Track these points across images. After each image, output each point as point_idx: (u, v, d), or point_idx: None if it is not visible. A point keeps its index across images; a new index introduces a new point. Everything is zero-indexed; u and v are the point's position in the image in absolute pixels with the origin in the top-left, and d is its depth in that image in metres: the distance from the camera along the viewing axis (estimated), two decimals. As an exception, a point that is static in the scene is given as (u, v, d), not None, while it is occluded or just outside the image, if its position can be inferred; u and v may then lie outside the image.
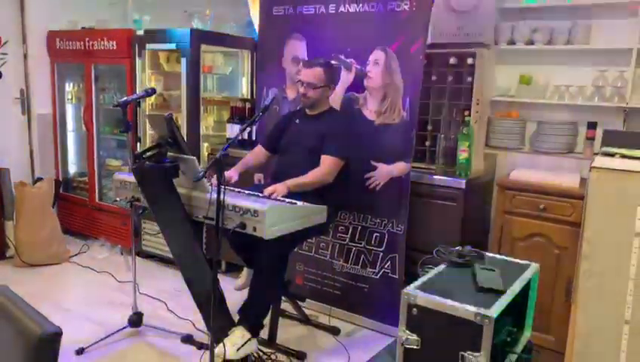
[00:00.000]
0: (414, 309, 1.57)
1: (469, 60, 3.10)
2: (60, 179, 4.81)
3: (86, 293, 3.67)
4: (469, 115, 3.11)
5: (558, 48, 3.27)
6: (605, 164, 1.71)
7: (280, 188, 2.50)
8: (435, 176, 3.09)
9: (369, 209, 3.16)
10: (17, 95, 4.58)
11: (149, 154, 2.17)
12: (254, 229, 2.14)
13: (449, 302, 1.54)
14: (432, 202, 3.08)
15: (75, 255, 4.32)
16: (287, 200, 2.43)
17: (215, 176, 2.07)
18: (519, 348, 1.84)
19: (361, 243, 3.21)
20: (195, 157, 2.23)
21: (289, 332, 3.11)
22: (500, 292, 1.66)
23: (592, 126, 3.19)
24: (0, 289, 1.30)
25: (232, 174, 2.78)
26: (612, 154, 1.98)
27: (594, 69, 3.21)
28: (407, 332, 1.58)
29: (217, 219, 2.13)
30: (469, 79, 3.11)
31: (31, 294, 3.53)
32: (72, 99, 4.80)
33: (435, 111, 3.30)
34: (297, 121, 2.94)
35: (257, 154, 3.02)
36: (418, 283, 1.70)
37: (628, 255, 1.68)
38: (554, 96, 3.31)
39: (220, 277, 3.49)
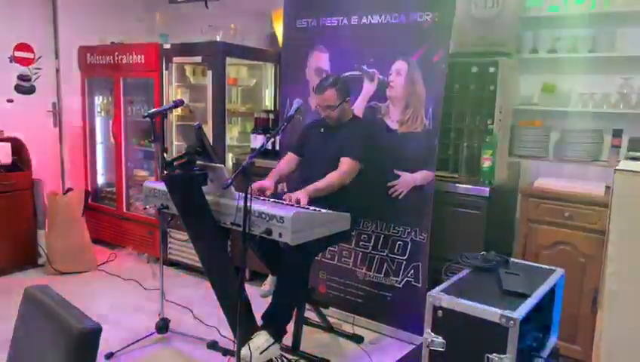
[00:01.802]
0: (439, 311, 1.58)
1: (491, 69, 3.11)
2: (89, 189, 4.94)
3: (114, 300, 3.76)
4: (492, 124, 3.12)
5: (582, 56, 3.26)
6: (630, 167, 1.70)
7: (302, 195, 2.55)
8: (459, 185, 3.09)
9: (392, 217, 3.17)
10: (50, 108, 4.75)
11: (178, 162, 2.23)
12: (280, 235, 2.18)
13: (474, 304, 1.56)
14: (456, 210, 3.08)
15: (104, 263, 4.42)
16: (312, 207, 2.47)
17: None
18: (546, 352, 1.83)
19: (384, 252, 3.23)
20: (223, 166, 2.29)
21: (313, 340, 3.13)
22: (525, 296, 1.67)
23: (618, 133, 3.17)
24: (41, 288, 1.36)
25: (267, 185, 2.81)
26: (638, 158, 1.96)
27: (619, 76, 3.19)
28: (433, 334, 1.59)
29: (244, 225, 2.18)
30: (492, 88, 3.12)
31: (62, 300, 3.66)
32: (101, 112, 4.95)
33: (457, 120, 3.32)
34: (322, 130, 2.99)
35: (289, 161, 3.06)
36: (443, 286, 1.72)
37: None
38: (578, 104, 3.29)
39: (245, 285, 3.56)
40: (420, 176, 3.04)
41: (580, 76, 3.34)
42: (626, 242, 1.74)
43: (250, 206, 2.18)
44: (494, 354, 1.50)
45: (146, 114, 2.80)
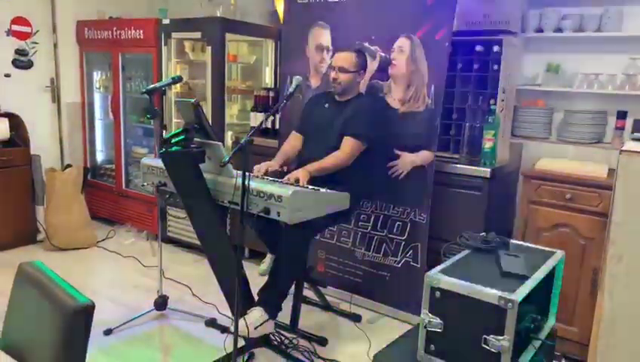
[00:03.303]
0: (437, 292, 1.57)
1: (495, 48, 3.05)
2: (88, 166, 4.92)
3: (113, 277, 3.77)
4: (495, 104, 3.08)
5: (588, 35, 3.19)
6: (636, 148, 1.67)
7: (302, 174, 2.52)
8: (460, 165, 3.07)
9: (392, 198, 3.15)
10: (48, 83, 4.69)
11: (176, 139, 2.20)
12: (278, 214, 2.16)
13: (473, 285, 1.54)
14: (456, 191, 3.06)
15: (103, 240, 4.42)
16: (311, 186, 2.45)
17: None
18: (543, 334, 1.82)
19: (383, 232, 3.22)
20: (220, 143, 2.26)
21: (311, 319, 3.14)
22: (524, 278, 1.65)
23: (622, 115, 3.12)
24: (34, 264, 1.34)
25: (273, 165, 2.79)
26: None
27: (625, 56, 3.13)
28: (430, 315, 1.58)
29: (242, 203, 2.16)
30: (495, 67, 3.07)
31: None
32: (100, 87, 4.90)
33: (460, 100, 3.27)
34: (327, 105, 2.94)
35: (293, 141, 3.01)
36: (441, 267, 1.70)
37: None
38: (582, 85, 3.24)
39: (244, 263, 3.56)
40: (421, 157, 3.01)
41: (585, 56, 3.28)
42: (629, 224, 1.71)
43: (249, 184, 2.16)
44: (492, 336, 1.50)
45: (144, 90, 2.78)
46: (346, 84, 2.82)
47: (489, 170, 2.95)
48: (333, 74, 2.81)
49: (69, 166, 4.45)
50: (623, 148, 1.70)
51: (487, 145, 3.03)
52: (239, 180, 2.16)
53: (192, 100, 2.23)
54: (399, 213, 3.15)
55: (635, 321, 1.70)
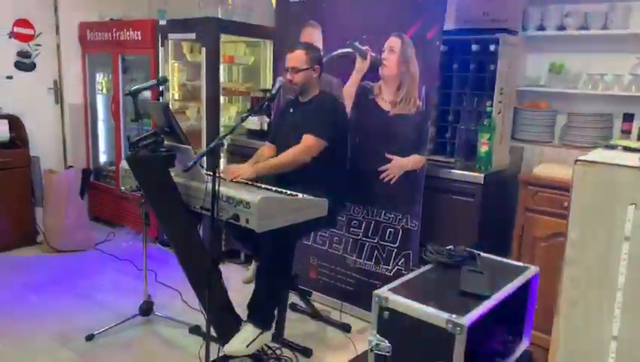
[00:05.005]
0: (385, 312, 1.45)
1: (492, 47, 2.90)
2: (91, 167, 4.92)
3: (105, 280, 3.73)
4: (491, 106, 2.93)
5: (593, 34, 3.02)
6: (592, 157, 1.51)
7: (244, 169, 2.46)
8: (453, 170, 2.94)
9: (383, 203, 3.04)
10: (51, 85, 4.71)
11: (145, 143, 2.13)
12: (247, 221, 2.07)
13: (420, 306, 1.41)
14: (450, 197, 2.93)
15: (102, 242, 4.41)
16: (289, 192, 2.35)
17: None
18: (513, 357, 1.68)
19: (374, 239, 3.10)
20: (190, 147, 2.18)
21: (299, 328, 3.05)
22: (482, 298, 1.51)
23: (629, 118, 2.95)
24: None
25: (243, 168, 2.70)
26: (614, 147, 1.76)
27: (632, 56, 2.96)
28: (378, 337, 1.46)
29: (213, 210, 2.08)
30: (492, 67, 2.92)
31: (53, 279, 3.66)
32: (102, 89, 4.89)
33: (456, 102, 3.13)
34: (291, 110, 2.87)
35: (267, 150, 2.93)
36: (395, 284, 1.58)
37: (616, 262, 1.47)
38: (587, 86, 3.07)
39: (224, 266, 3.48)
40: (412, 161, 2.88)
41: (590, 56, 3.11)
42: (586, 243, 1.53)
43: (218, 189, 2.08)
44: None
45: (127, 91, 2.72)
46: (303, 83, 2.72)
47: (482, 175, 2.82)
48: (288, 76, 2.73)
49: (71, 167, 4.46)
50: (579, 158, 1.53)
51: (483, 149, 2.89)
52: (209, 185, 2.08)
53: (162, 102, 2.16)
54: (391, 219, 3.03)
55: (595, 353, 1.49)
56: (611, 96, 3.00)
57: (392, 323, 1.46)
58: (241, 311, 2.59)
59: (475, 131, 2.99)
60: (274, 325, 2.62)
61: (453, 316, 1.37)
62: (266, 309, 2.55)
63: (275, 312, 2.61)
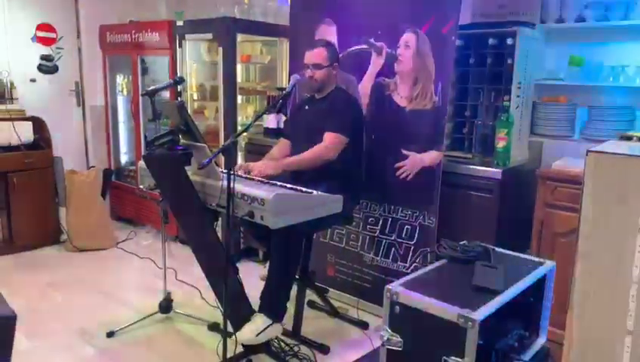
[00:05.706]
0: (397, 307, 1.44)
1: (509, 40, 2.86)
2: (112, 167, 5.01)
3: (126, 278, 3.80)
4: (509, 100, 2.89)
5: (614, 24, 2.95)
6: (606, 148, 1.47)
7: (270, 165, 2.49)
8: (470, 166, 2.90)
9: (400, 200, 3.02)
10: (73, 87, 4.81)
11: (161, 141, 2.16)
12: (262, 218, 2.08)
13: (431, 301, 1.40)
14: (468, 193, 2.90)
15: (123, 241, 4.48)
16: (304, 189, 2.36)
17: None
18: (530, 353, 1.66)
19: (391, 236, 3.08)
20: (205, 145, 2.20)
21: (316, 325, 3.05)
22: (495, 293, 1.49)
23: (652, 111, 2.87)
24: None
25: (258, 165, 2.74)
26: (630, 138, 1.72)
27: (655, 46, 2.89)
28: (390, 332, 1.46)
29: (228, 207, 2.10)
30: (509, 61, 2.88)
31: (76, 278, 3.73)
32: (122, 90, 4.97)
33: (473, 97, 3.10)
34: (307, 107, 2.90)
35: (282, 145, 2.98)
36: (407, 279, 1.57)
37: (630, 254, 1.43)
38: (608, 78, 3.00)
39: (241, 263, 3.50)
40: (428, 157, 2.86)
41: (611, 47, 3.04)
42: (599, 236, 1.49)
43: (234, 187, 2.09)
44: (452, 357, 1.35)
45: (143, 91, 2.76)
46: (323, 80, 2.76)
47: (500, 170, 2.78)
48: (309, 72, 2.75)
49: (92, 168, 4.54)
50: (591, 149, 1.49)
51: (501, 144, 2.85)
52: (225, 183, 2.10)
53: (176, 101, 2.18)
54: (408, 216, 3.01)
55: (609, 347, 1.45)
56: (633, 88, 2.93)
57: (403, 318, 1.46)
58: (258, 306, 2.61)
59: (492, 126, 2.95)
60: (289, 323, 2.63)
61: (465, 310, 1.36)
62: (277, 301, 2.56)
63: (290, 311, 2.62)
